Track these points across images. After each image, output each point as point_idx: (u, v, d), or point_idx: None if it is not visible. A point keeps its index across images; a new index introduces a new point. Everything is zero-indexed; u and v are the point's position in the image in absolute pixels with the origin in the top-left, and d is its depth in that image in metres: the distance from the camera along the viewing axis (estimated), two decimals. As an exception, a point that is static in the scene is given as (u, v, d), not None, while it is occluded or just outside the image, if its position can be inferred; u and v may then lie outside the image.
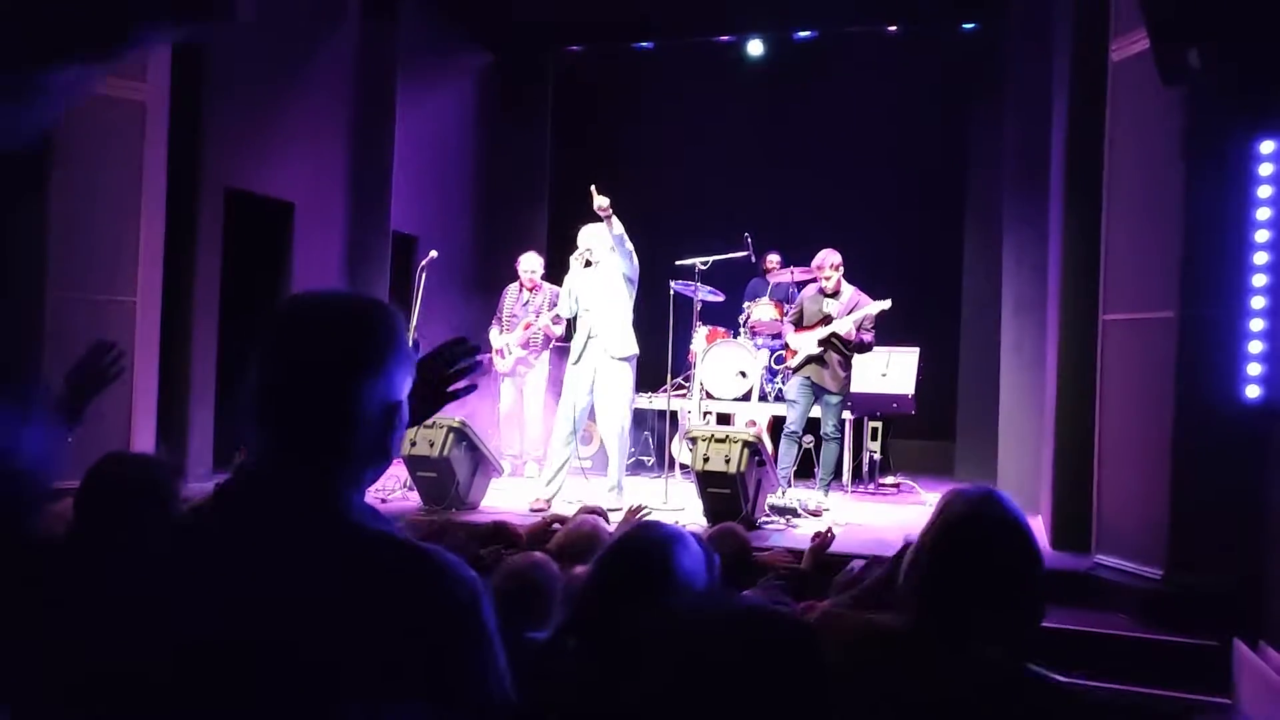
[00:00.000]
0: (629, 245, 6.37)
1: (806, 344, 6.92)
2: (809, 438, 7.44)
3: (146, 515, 2.13)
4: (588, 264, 6.48)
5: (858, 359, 7.09)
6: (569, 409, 6.48)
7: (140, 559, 1.26)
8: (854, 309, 6.84)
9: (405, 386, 1.34)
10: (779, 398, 8.12)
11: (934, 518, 1.83)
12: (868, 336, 6.86)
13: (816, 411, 7.07)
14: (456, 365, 1.74)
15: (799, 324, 7.06)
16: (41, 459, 1.05)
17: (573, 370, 6.53)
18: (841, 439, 7.20)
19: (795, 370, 7.02)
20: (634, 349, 6.49)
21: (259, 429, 1.27)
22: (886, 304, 6.80)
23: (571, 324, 6.91)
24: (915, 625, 1.74)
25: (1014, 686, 1.66)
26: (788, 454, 6.97)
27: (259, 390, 1.27)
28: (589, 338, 6.45)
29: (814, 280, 7.12)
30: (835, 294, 6.95)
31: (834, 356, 6.87)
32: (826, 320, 6.88)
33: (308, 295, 1.32)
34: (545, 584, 2.73)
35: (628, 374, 6.48)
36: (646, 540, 2.03)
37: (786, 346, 7.22)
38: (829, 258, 6.93)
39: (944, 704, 1.63)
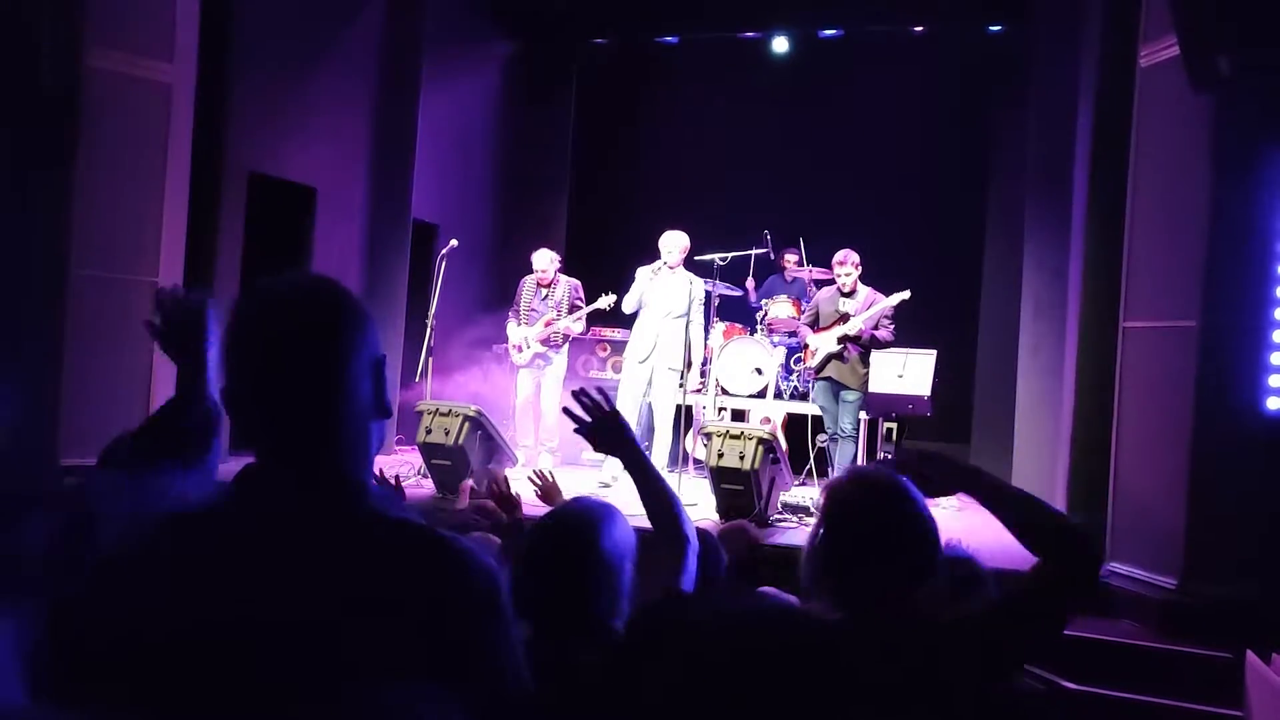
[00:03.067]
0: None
1: (826, 342, 6.93)
2: (822, 436, 7.43)
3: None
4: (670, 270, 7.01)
5: (877, 358, 7.08)
6: (632, 404, 7.10)
7: (155, 549, 1.27)
8: (870, 306, 6.87)
9: (380, 341, 1.34)
10: (794, 395, 8.11)
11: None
12: (883, 334, 6.86)
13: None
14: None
15: (814, 325, 7.08)
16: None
17: (637, 368, 7.07)
18: (857, 437, 7.18)
19: (817, 373, 7.03)
20: (681, 365, 7.11)
21: (258, 425, 1.27)
22: (905, 295, 6.83)
23: (596, 320, 7.52)
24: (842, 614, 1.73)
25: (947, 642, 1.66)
26: (844, 454, 7.06)
27: (251, 391, 1.26)
28: (656, 342, 7.00)
29: (831, 281, 7.15)
30: (851, 293, 6.98)
31: (853, 353, 6.89)
32: (844, 318, 6.90)
33: (263, 287, 1.31)
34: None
35: (676, 379, 7.13)
36: (570, 518, 1.99)
37: (805, 348, 7.23)
38: (852, 256, 7.01)
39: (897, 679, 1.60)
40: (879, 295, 6.94)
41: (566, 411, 2.23)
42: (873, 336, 6.86)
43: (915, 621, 1.66)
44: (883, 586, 1.69)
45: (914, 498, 1.77)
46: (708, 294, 7.91)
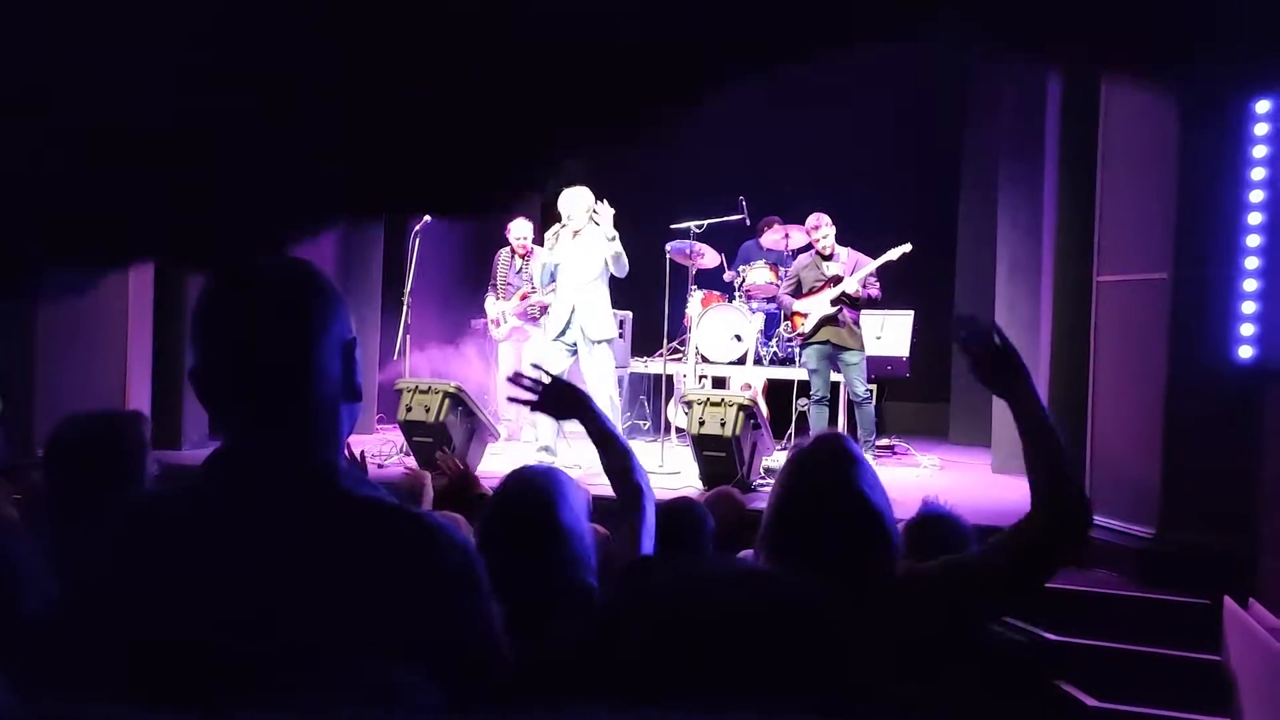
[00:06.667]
0: (624, 260, 6.41)
1: (818, 306, 6.90)
2: (803, 401, 7.46)
3: (116, 479, 2.11)
4: (574, 234, 6.46)
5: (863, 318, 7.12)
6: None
7: (127, 536, 1.27)
8: (856, 268, 6.86)
9: (353, 322, 1.34)
10: (774, 361, 8.13)
11: (781, 474, 1.88)
12: (874, 291, 6.88)
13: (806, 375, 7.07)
14: None
15: (797, 293, 7.04)
16: None
17: (553, 345, 6.56)
18: (871, 399, 7.11)
19: (809, 338, 6.97)
20: (613, 332, 6.60)
21: (227, 406, 1.27)
22: (906, 248, 6.82)
23: None
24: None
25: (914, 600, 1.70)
26: (819, 419, 7.01)
27: (220, 371, 1.26)
28: (572, 313, 6.44)
29: (807, 248, 7.13)
30: (831, 257, 6.95)
31: (848, 314, 6.88)
32: (835, 281, 6.86)
33: (234, 269, 1.29)
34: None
35: (608, 351, 6.58)
36: (522, 490, 1.97)
37: (791, 316, 7.16)
38: (824, 218, 6.96)
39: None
40: (861, 256, 6.92)
41: (512, 399, 2.33)
42: (868, 296, 6.86)
43: (883, 580, 1.69)
44: (836, 549, 1.73)
45: (860, 465, 1.82)
46: (684, 264, 7.90)
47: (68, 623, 1.23)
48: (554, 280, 6.59)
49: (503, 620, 1.31)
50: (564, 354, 6.55)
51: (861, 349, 6.97)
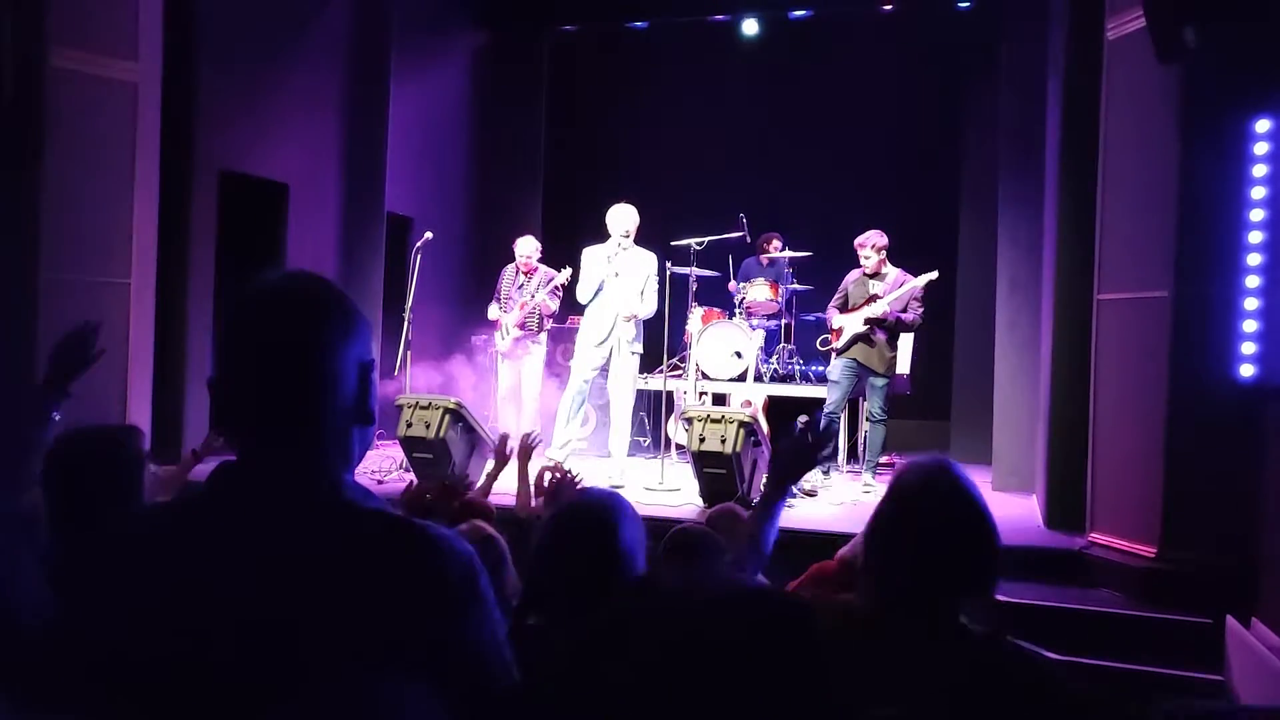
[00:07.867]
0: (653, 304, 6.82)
1: (852, 323, 6.88)
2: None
3: (113, 493, 2.14)
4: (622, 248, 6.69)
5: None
6: (580, 385, 6.81)
7: (133, 546, 1.27)
8: (899, 287, 6.83)
9: (374, 347, 1.34)
10: (774, 378, 8.12)
11: (887, 492, 1.81)
12: (909, 316, 6.82)
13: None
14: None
15: (844, 308, 7.02)
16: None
17: (592, 350, 6.77)
18: (886, 420, 7.08)
19: (841, 352, 6.94)
20: (641, 346, 6.92)
21: (240, 419, 1.27)
22: (933, 275, 6.80)
23: (569, 300, 7.27)
24: (884, 604, 1.73)
25: (996, 662, 1.67)
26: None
27: (236, 382, 1.27)
28: (617, 322, 6.70)
29: (857, 266, 7.07)
30: (877, 275, 6.92)
31: (880, 335, 6.84)
32: (873, 300, 6.85)
33: (261, 283, 1.30)
34: (487, 552, 2.74)
35: (638, 363, 6.92)
36: (585, 510, 2.05)
37: (832, 330, 7.13)
38: (871, 238, 6.90)
39: (926, 684, 1.62)
40: (909, 276, 6.87)
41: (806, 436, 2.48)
42: (898, 319, 6.81)
43: (956, 630, 1.68)
44: (932, 584, 1.69)
45: (983, 504, 1.76)
46: (684, 279, 7.91)
47: (66, 637, 1.23)
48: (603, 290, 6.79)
49: (507, 631, 1.30)
50: (600, 362, 6.79)
51: (889, 374, 6.91)
